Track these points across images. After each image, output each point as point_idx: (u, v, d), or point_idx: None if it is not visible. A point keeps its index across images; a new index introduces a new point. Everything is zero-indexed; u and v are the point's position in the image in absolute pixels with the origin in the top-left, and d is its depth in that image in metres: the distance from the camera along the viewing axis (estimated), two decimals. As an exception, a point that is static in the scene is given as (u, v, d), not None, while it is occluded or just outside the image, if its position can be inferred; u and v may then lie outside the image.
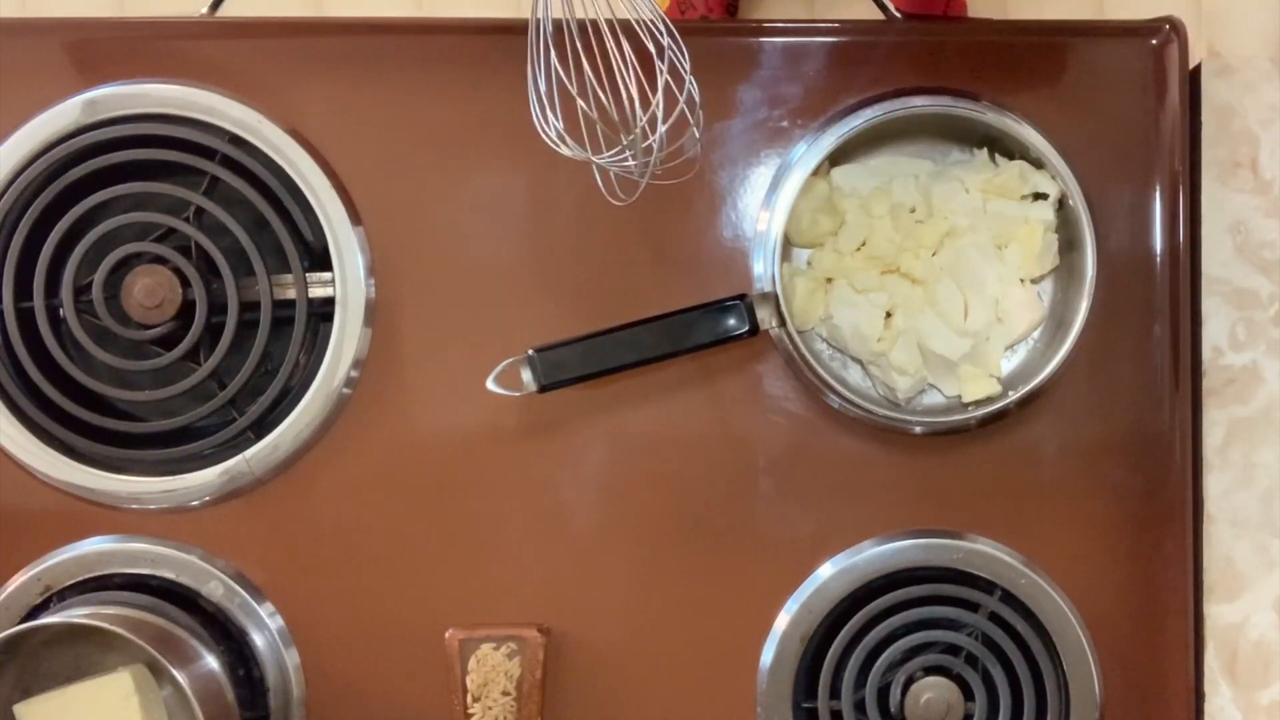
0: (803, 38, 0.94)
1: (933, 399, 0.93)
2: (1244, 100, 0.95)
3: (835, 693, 0.92)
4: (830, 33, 0.95)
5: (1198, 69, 0.95)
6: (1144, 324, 0.94)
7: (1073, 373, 0.92)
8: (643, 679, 0.94)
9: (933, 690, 0.91)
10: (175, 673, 0.82)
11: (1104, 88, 0.94)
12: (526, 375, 0.86)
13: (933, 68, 0.94)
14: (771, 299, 0.88)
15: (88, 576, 0.92)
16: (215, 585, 0.92)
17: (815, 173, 0.90)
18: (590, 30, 0.80)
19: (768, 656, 0.93)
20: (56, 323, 0.92)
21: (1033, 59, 0.94)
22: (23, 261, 0.90)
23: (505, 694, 0.90)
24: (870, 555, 0.92)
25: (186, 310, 0.90)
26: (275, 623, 0.93)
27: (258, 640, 0.92)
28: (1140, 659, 0.94)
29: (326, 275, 0.92)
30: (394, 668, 0.93)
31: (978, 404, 0.91)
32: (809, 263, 0.94)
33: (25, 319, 0.91)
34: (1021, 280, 0.92)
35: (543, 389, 0.86)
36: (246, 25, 0.96)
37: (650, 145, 0.80)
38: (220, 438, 0.91)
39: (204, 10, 0.99)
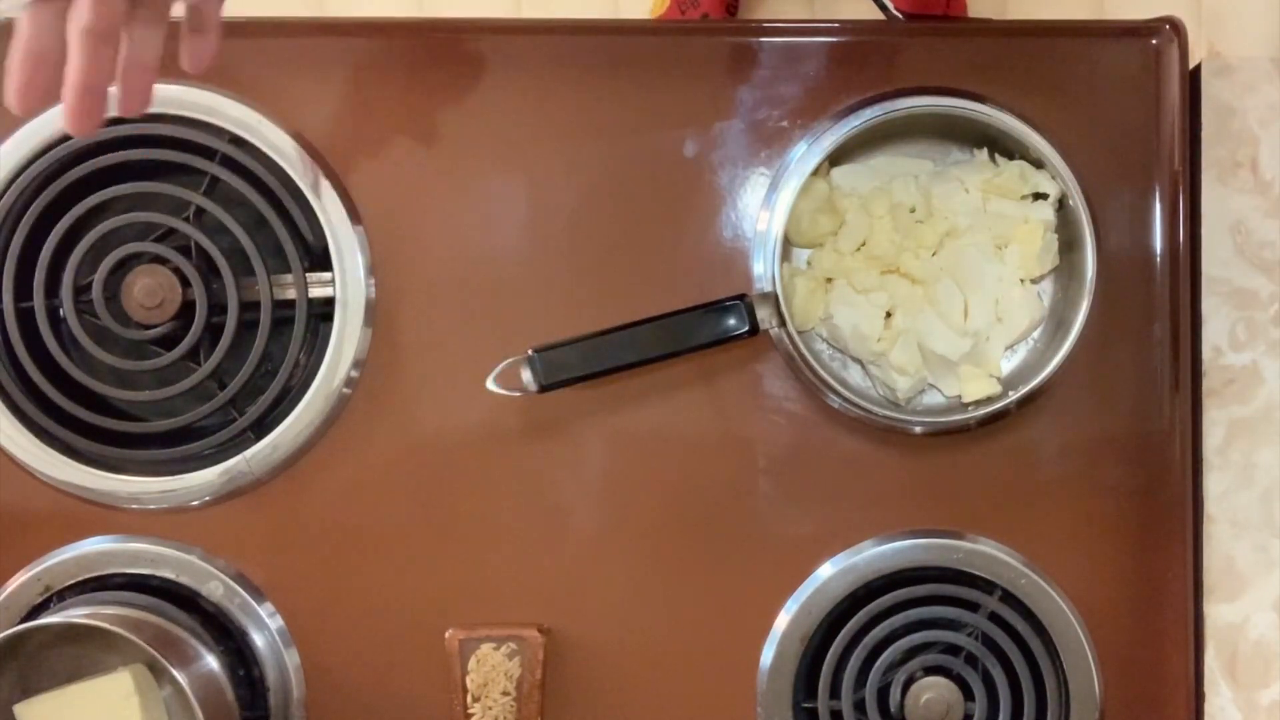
0: (803, 38, 0.94)
1: (933, 399, 0.93)
2: (1244, 100, 0.95)
3: (835, 693, 0.92)
4: (830, 33, 0.95)
5: (1198, 69, 0.95)
6: (1144, 324, 0.94)
7: (1073, 373, 0.92)
8: (643, 679, 0.94)
9: (933, 690, 0.91)
10: (175, 673, 0.82)
11: (1104, 88, 0.94)
12: (526, 375, 0.86)
13: (933, 68, 0.94)
14: (771, 299, 0.88)
15: (88, 576, 0.92)
16: (215, 585, 0.92)
17: (815, 173, 0.90)
18: None
19: (768, 656, 0.93)
20: (56, 323, 0.91)
21: (1033, 59, 0.94)
22: (23, 261, 0.90)
23: (505, 694, 0.90)
24: (870, 555, 0.93)
25: (186, 310, 0.90)
26: (275, 623, 0.93)
27: (258, 640, 0.92)
28: (1140, 659, 0.94)
29: (326, 275, 0.92)
30: (394, 668, 0.93)
31: (978, 404, 0.91)
32: (809, 263, 0.94)
33: (25, 319, 0.91)
34: (1021, 280, 0.92)
35: (543, 389, 0.86)
36: (246, 25, 0.96)
37: None
38: (220, 438, 0.91)
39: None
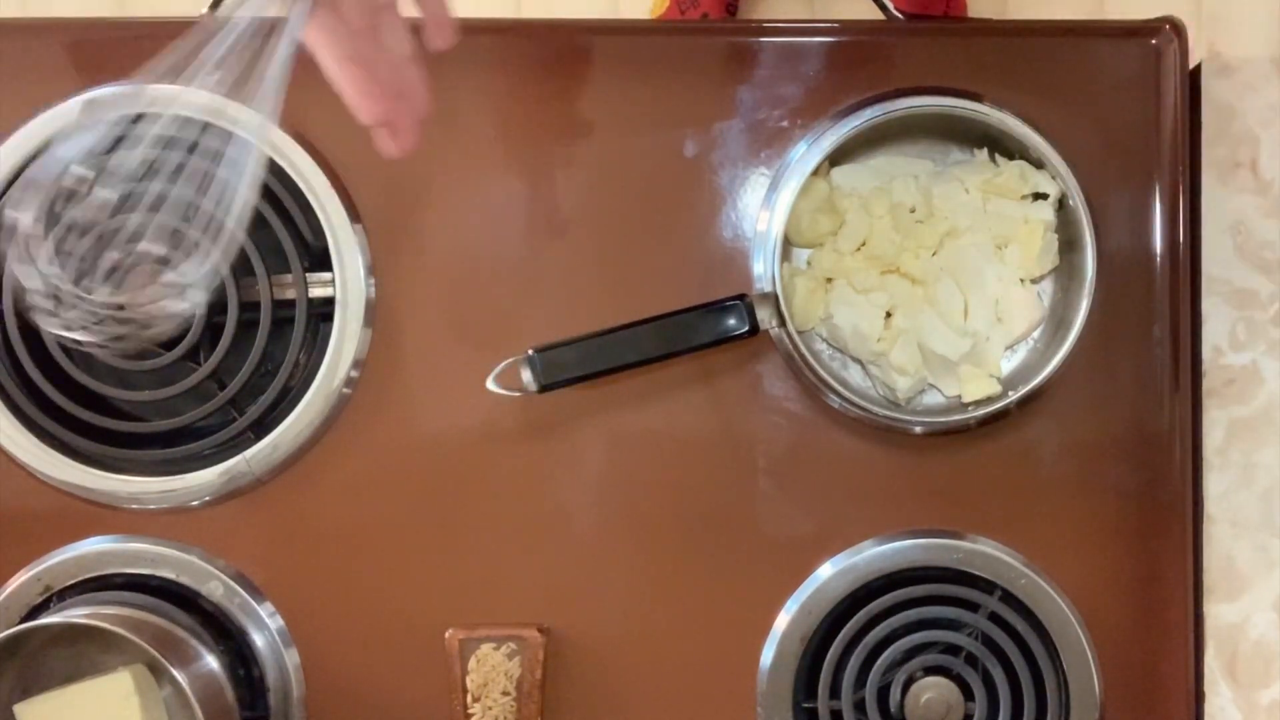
0: (803, 38, 0.94)
1: (933, 399, 0.93)
2: (1244, 100, 0.95)
3: (835, 693, 0.92)
4: (830, 33, 0.95)
5: (1198, 69, 0.95)
6: (1144, 324, 0.94)
7: (1073, 373, 0.92)
8: (643, 679, 0.94)
9: (933, 690, 0.91)
10: (175, 673, 0.82)
11: (1104, 88, 0.94)
12: (526, 375, 0.86)
13: (933, 68, 0.94)
14: (771, 299, 0.88)
15: (88, 576, 0.92)
16: (215, 585, 0.92)
17: (815, 173, 0.90)
18: None
19: (768, 656, 0.93)
20: (56, 323, 0.92)
21: (1033, 59, 0.94)
22: (23, 261, 0.90)
23: (505, 694, 0.90)
24: (870, 555, 0.92)
25: (186, 310, 0.90)
26: (275, 623, 0.93)
27: (258, 640, 0.92)
28: (1140, 659, 0.94)
29: (326, 275, 0.92)
30: (394, 668, 0.93)
31: (978, 404, 0.91)
32: (809, 263, 0.94)
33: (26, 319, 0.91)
34: (1021, 280, 0.92)
35: (543, 389, 0.86)
36: (246, 25, 0.96)
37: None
38: (220, 438, 0.91)
39: (204, 10, 0.99)
